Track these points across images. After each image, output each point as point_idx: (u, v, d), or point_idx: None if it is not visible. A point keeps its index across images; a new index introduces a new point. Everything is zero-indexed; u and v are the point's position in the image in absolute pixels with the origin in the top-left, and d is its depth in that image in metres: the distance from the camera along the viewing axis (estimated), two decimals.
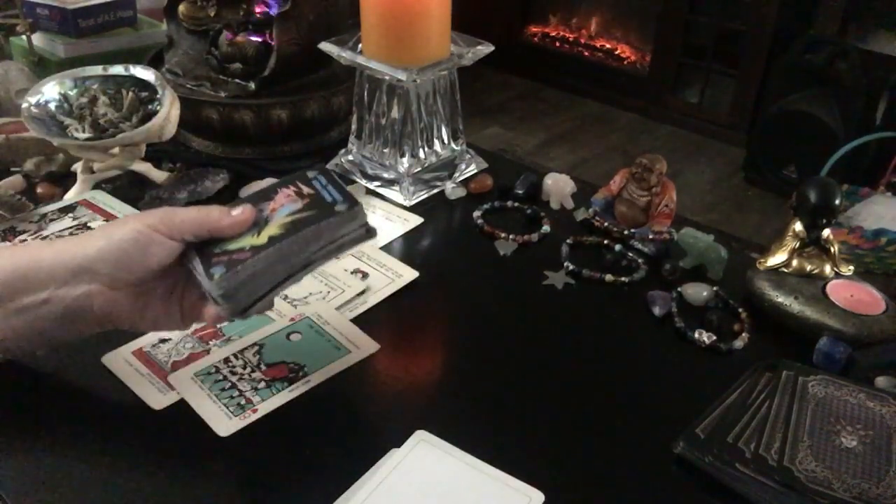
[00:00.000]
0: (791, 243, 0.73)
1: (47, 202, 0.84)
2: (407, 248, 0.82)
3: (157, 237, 0.54)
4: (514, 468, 0.54)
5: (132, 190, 0.87)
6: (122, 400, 0.59)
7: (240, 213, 0.56)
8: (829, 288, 0.72)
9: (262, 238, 0.55)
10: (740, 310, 0.73)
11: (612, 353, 0.69)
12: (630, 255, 0.81)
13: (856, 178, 2.29)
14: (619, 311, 0.75)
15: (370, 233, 0.59)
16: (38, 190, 0.86)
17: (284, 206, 0.58)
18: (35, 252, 0.55)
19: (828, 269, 0.73)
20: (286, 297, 0.71)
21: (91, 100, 0.85)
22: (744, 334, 0.70)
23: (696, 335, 0.69)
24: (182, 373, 0.62)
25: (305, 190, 0.59)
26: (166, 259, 0.55)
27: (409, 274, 0.76)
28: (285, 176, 0.61)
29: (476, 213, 0.86)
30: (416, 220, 0.86)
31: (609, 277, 0.77)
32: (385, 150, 0.91)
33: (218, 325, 0.67)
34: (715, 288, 0.75)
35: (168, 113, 0.83)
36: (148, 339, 0.65)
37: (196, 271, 0.56)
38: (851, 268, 0.74)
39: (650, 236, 0.81)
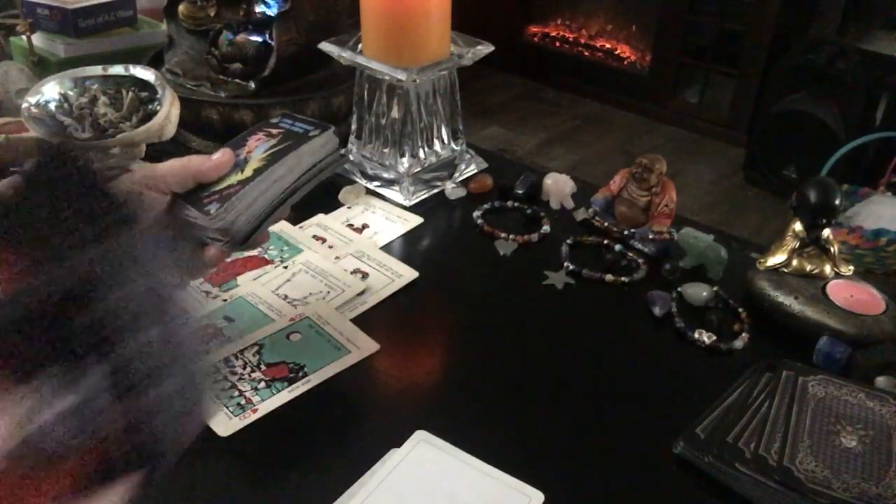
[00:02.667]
0: (791, 243, 0.73)
1: None
2: (407, 248, 0.82)
3: (144, 192, 0.56)
4: (514, 468, 0.54)
5: None
6: None
7: (220, 155, 0.59)
8: (829, 288, 0.72)
9: (247, 172, 0.58)
10: (740, 310, 0.73)
11: (612, 353, 0.69)
12: (630, 255, 0.81)
13: (856, 178, 2.28)
14: (619, 311, 0.75)
15: (344, 157, 0.64)
16: None
17: (259, 146, 0.61)
18: None
19: (828, 269, 0.73)
20: (286, 297, 0.71)
21: (91, 100, 0.85)
22: (744, 334, 0.70)
23: (696, 335, 0.69)
24: None
25: (275, 131, 0.63)
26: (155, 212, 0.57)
27: (409, 274, 0.76)
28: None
29: (476, 213, 0.86)
30: (416, 220, 0.86)
31: (609, 277, 0.77)
32: (385, 150, 0.91)
33: (218, 325, 0.67)
34: (715, 288, 0.75)
35: (168, 113, 0.83)
36: None
37: (190, 216, 0.58)
38: (851, 268, 0.74)
39: (650, 236, 0.81)
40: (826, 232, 0.73)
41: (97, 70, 0.88)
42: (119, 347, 0.33)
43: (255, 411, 0.58)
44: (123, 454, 0.34)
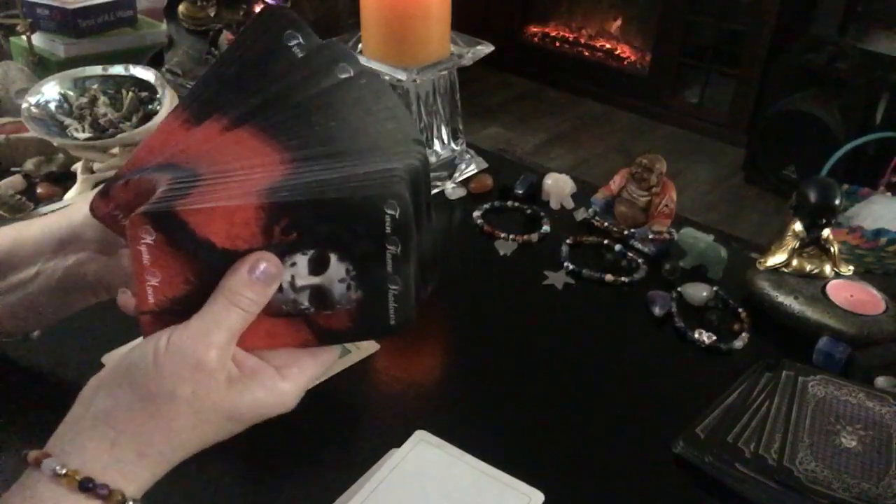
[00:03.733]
0: (791, 243, 0.73)
1: (47, 202, 0.84)
2: None
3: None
4: (514, 468, 0.54)
5: None
6: None
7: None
8: (829, 288, 0.72)
9: None
10: (740, 310, 0.73)
11: (613, 353, 0.69)
12: (630, 255, 0.81)
13: (856, 178, 2.28)
14: (619, 311, 0.75)
15: None
16: (38, 190, 0.86)
17: None
18: (20, 229, 0.55)
19: (828, 269, 0.73)
20: None
21: (91, 100, 0.85)
22: (744, 334, 0.70)
23: (696, 335, 0.69)
24: None
25: None
26: None
27: None
28: None
29: (476, 213, 0.86)
30: None
31: (609, 277, 0.77)
32: None
33: None
34: (715, 288, 0.75)
35: (168, 113, 0.83)
36: None
37: None
38: (851, 268, 0.74)
39: (650, 236, 0.81)
40: (826, 232, 0.73)
41: (97, 70, 0.87)
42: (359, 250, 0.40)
43: None
44: (344, 329, 0.42)
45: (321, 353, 0.44)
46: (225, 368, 0.40)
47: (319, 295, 0.41)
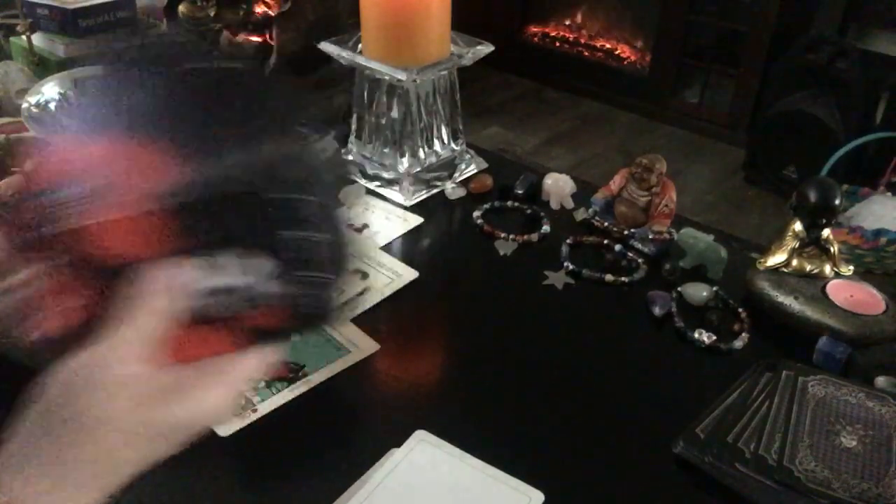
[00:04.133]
0: (791, 243, 0.73)
1: None
2: (407, 248, 0.82)
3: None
4: (514, 468, 0.54)
5: None
6: None
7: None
8: (829, 288, 0.72)
9: None
10: (740, 310, 0.73)
11: (613, 353, 0.69)
12: (630, 255, 0.81)
13: (856, 178, 2.28)
14: (619, 311, 0.75)
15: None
16: None
17: None
18: None
19: (828, 269, 0.73)
20: None
21: None
22: (744, 334, 0.70)
23: (696, 335, 0.69)
24: None
25: None
26: None
27: (409, 274, 0.76)
28: None
29: (476, 213, 0.86)
30: (415, 220, 0.86)
31: (609, 277, 0.77)
32: (385, 150, 0.91)
33: None
34: (715, 288, 0.75)
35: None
36: None
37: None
38: (851, 268, 0.74)
39: (650, 236, 0.81)
40: (826, 232, 0.73)
41: (97, 70, 0.87)
42: (284, 239, 0.40)
43: (255, 411, 0.58)
44: (275, 325, 0.41)
45: (256, 355, 0.42)
46: (146, 383, 0.38)
47: (242, 295, 0.39)
